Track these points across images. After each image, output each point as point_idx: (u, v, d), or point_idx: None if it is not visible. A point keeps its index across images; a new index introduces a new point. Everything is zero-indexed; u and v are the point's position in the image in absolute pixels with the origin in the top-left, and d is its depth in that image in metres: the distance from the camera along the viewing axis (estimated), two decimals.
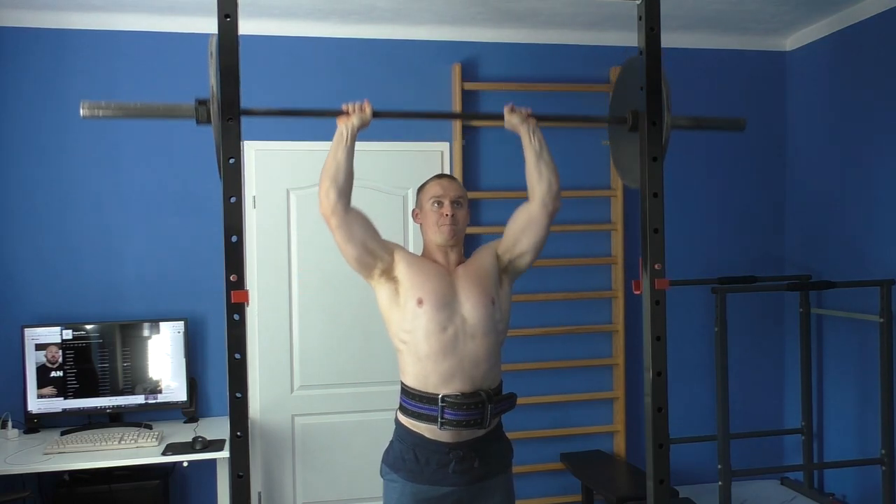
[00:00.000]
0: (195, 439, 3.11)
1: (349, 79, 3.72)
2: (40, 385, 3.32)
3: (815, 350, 3.92)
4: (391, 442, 2.25)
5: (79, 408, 3.36)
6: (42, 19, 3.45)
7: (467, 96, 3.77)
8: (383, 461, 2.25)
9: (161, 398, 3.43)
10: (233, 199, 1.59)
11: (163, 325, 3.44)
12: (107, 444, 3.09)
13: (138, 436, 3.17)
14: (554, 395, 3.89)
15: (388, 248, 2.19)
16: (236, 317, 1.58)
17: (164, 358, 3.44)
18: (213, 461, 3.19)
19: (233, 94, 1.59)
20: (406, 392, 2.16)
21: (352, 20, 3.64)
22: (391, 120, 3.75)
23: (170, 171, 3.59)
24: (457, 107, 3.72)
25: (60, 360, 3.34)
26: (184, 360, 3.45)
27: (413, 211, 2.35)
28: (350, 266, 2.18)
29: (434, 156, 3.80)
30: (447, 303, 2.14)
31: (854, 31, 3.65)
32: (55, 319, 3.41)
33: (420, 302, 2.12)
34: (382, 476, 2.24)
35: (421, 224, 2.30)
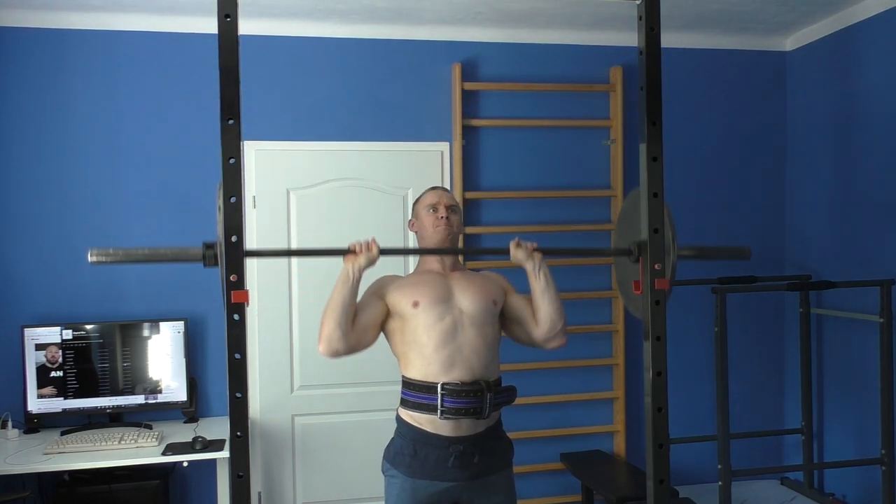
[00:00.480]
0: (195, 439, 3.11)
1: (349, 79, 3.73)
2: (40, 385, 3.32)
3: (815, 350, 3.92)
4: (392, 438, 2.27)
5: (79, 408, 3.36)
6: (42, 19, 3.45)
7: (467, 96, 3.77)
8: (384, 457, 2.26)
9: (161, 398, 3.43)
10: (233, 199, 1.58)
11: (163, 325, 3.44)
12: (107, 444, 3.09)
13: (138, 436, 3.17)
14: (554, 395, 3.89)
15: (378, 297, 2.23)
16: (236, 317, 1.57)
17: (164, 358, 3.44)
18: (213, 461, 3.19)
19: (233, 94, 1.59)
20: (407, 384, 2.19)
21: (352, 20, 3.64)
22: (391, 120, 3.77)
23: (170, 171, 3.59)
24: (457, 107, 3.72)
25: (60, 360, 3.34)
26: (184, 360, 3.45)
27: (409, 221, 2.42)
28: None
29: (434, 156, 3.80)
30: (443, 299, 2.19)
31: (854, 31, 3.65)
32: (55, 319, 3.41)
33: (416, 304, 2.17)
34: (384, 472, 2.25)
35: (417, 232, 2.38)
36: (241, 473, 1.57)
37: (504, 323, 2.32)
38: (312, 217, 3.67)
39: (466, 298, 2.20)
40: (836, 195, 3.81)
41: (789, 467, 4.04)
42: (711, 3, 3.52)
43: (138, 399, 3.41)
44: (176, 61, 3.58)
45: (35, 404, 3.32)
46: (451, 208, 2.33)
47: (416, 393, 2.15)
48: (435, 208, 2.31)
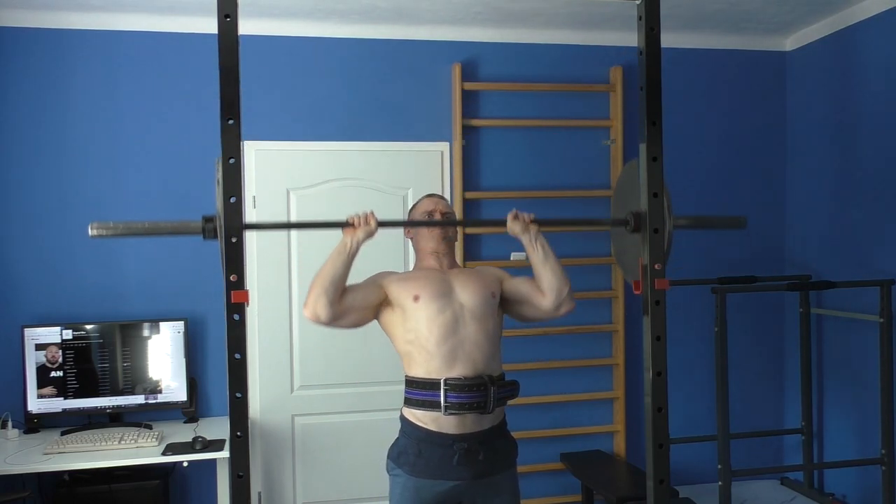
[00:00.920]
0: (195, 439, 3.11)
1: (349, 79, 3.73)
2: (40, 385, 3.32)
3: (815, 350, 3.92)
4: (396, 438, 2.27)
5: (79, 408, 3.36)
6: (42, 19, 3.45)
7: (467, 96, 3.77)
8: (388, 456, 2.26)
9: (161, 398, 3.43)
10: (233, 199, 1.58)
11: (163, 325, 3.44)
12: (107, 444, 3.09)
13: (138, 436, 3.17)
14: (554, 395, 3.90)
15: (377, 284, 2.24)
16: (236, 317, 1.58)
17: (164, 358, 3.44)
18: (213, 461, 3.19)
19: (233, 94, 1.59)
20: (410, 383, 2.19)
21: (352, 20, 3.64)
22: (391, 120, 3.77)
23: (170, 171, 3.59)
24: (457, 107, 3.72)
25: (60, 360, 3.34)
26: (184, 360, 3.45)
27: (405, 228, 2.44)
28: None
29: (434, 156, 3.80)
30: (443, 293, 2.20)
31: (854, 31, 3.65)
32: (55, 319, 3.41)
33: (416, 298, 2.17)
34: (388, 472, 2.25)
35: (413, 238, 2.39)
36: (241, 473, 1.57)
37: (510, 308, 2.32)
38: (312, 217, 3.66)
39: (466, 293, 2.21)
40: (836, 195, 3.81)
41: (789, 467, 4.04)
42: (711, 3, 3.52)
43: (138, 399, 3.41)
44: (176, 61, 3.58)
45: (35, 404, 3.32)
46: (446, 215, 2.36)
47: (419, 390, 2.15)
48: (430, 215, 2.33)
